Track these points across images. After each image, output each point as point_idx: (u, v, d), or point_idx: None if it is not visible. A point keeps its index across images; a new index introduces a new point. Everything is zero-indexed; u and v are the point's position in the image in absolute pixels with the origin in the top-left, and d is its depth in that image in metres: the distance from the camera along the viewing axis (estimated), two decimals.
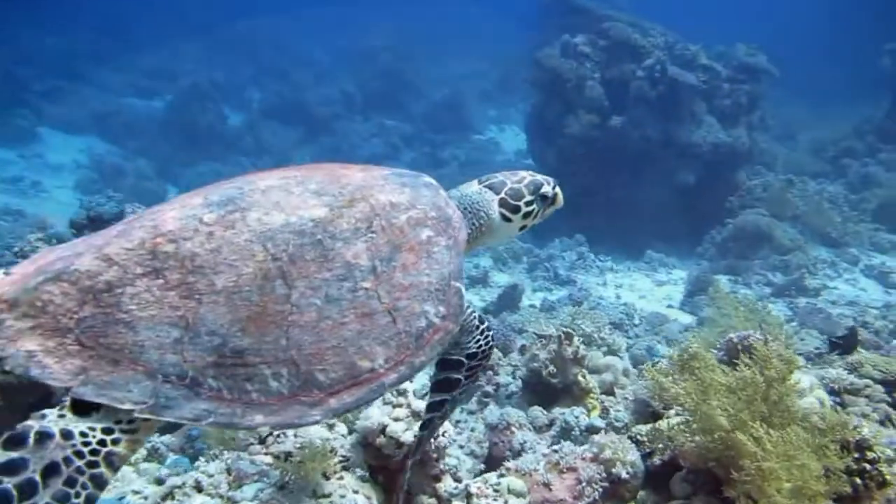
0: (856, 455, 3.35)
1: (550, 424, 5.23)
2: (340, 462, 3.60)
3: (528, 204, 3.10)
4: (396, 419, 3.58)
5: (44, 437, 1.99)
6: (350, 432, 3.88)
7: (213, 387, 2.14)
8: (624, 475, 3.55)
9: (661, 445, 3.85)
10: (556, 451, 3.86)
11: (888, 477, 3.37)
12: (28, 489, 1.89)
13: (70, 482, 1.96)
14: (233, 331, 2.17)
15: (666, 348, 10.59)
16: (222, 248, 2.25)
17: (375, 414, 3.61)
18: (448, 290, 2.56)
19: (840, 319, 10.95)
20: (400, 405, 3.64)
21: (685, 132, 17.66)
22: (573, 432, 4.68)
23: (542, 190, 3.15)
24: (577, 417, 4.83)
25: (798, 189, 18.11)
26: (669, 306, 13.42)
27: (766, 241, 15.44)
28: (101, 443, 2.06)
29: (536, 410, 5.32)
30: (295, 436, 3.74)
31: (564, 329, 5.45)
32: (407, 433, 3.53)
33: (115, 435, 2.09)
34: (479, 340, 2.85)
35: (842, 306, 12.75)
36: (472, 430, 5.53)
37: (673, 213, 18.11)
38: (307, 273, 2.30)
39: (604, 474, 3.59)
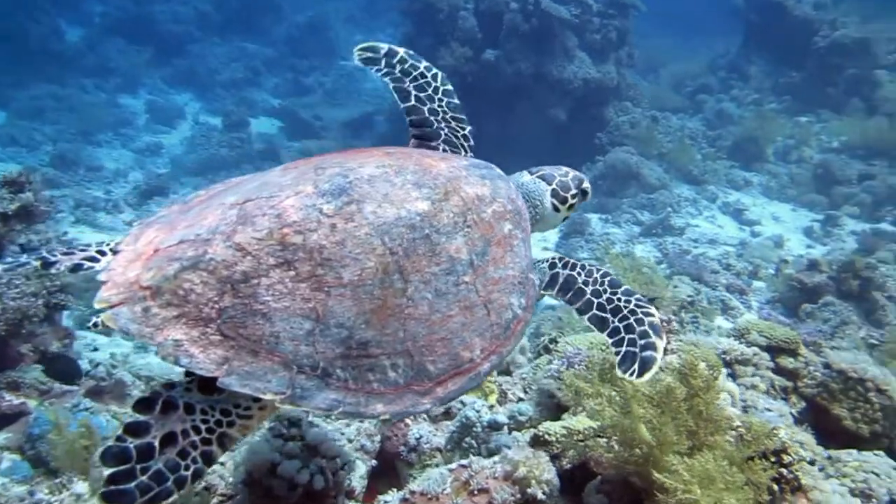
0: (773, 460, 3.26)
1: (446, 413, 4.95)
2: (220, 502, 3.12)
3: (573, 196, 3.20)
4: (290, 456, 3.11)
5: (169, 406, 2.10)
6: (236, 466, 3.39)
7: (341, 377, 2.21)
8: (540, 496, 3.31)
9: (573, 452, 3.64)
10: (464, 468, 3.56)
11: (804, 482, 3.32)
12: (146, 452, 1.99)
13: (183, 454, 2.05)
14: (358, 323, 2.23)
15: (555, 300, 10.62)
16: (346, 241, 2.28)
17: (264, 448, 3.12)
18: (527, 282, 2.68)
19: (706, 262, 11.37)
20: (293, 437, 3.18)
21: (557, 67, 17.54)
22: (475, 429, 4.40)
23: (584, 185, 3.27)
24: (478, 412, 4.56)
25: (662, 126, 18.61)
26: (545, 248, 13.46)
27: (634, 180, 15.79)
28: (218, 423, 2.15)
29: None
30: None
31: None
32: (303, 472, 3.09)
33: (232, 418, 2.18)
34: (549, 261, 2.95)
35: (704, 245, 13.29)
36: (362, 421, 5.16)
37: (545, 149, 18.09)
38: (420, 267, 2.35)
39: (518, 495, 3.34)
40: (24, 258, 2.56)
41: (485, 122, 17.79)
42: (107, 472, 1.95)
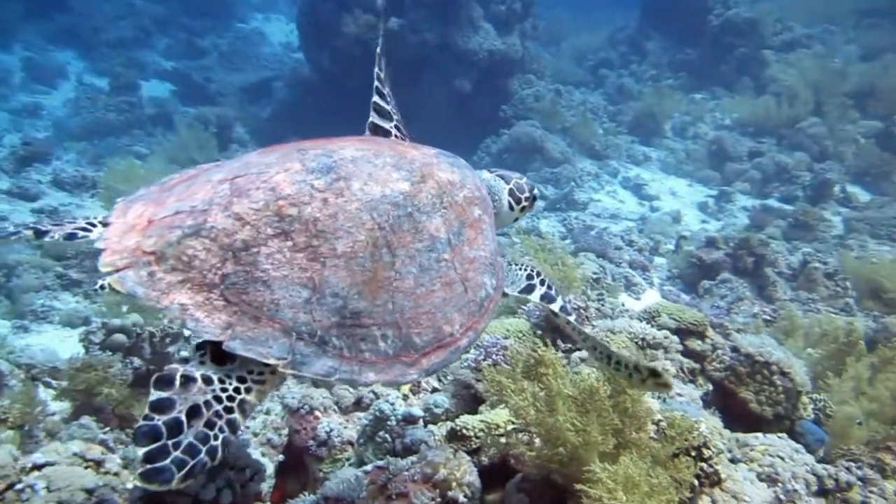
0: (694, 455, 3.25)
1: (357, 403, 4.76)
2: None
3: (526, 199, 3.29)
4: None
5: (188, 380, 2.12)
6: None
7: (337, 345, 2.28)
8: (461, 499, 3.18)
9: (493, 449, 3.53)
10: (381, 470, 3.38)
11: (723, 476, 3.33)
12: (175, 427, 2.00)
13: (209, 424, 2.07)
14: (351, 293, 2.31)
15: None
16: (338, 214, 2.36)
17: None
18: (496, 264, 2.80)
19: (610, 238, 11.55)
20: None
21: (462, 38, 17.33)
22: (389, 422, 4.23)
23: (534, 191, 3.36)
24: (392, 404, 4.39)
25: (565, 100, 18.78)
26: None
27: (539, 153, 15.88)
28: (237, 390, 2.19)
29: (342, 389, 4.80)
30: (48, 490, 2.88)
31: None
32: (209, 488, 2.83)
33: (248, 384, 2.22)
34: (523, 269, 3.07)
35: (606, 220, 13.53)
36: (267, 412, 4.91)
37: (450, 121, 17.99)
38: (405, 243, 2.45)
39: (439, 499, 3.20)
40: (13, 228, 2.56)
41: (392, 91, 17.46)
42: (141, 451, 1.96)
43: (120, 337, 5.84)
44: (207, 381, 2.17)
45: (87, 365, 5.18)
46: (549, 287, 3.05)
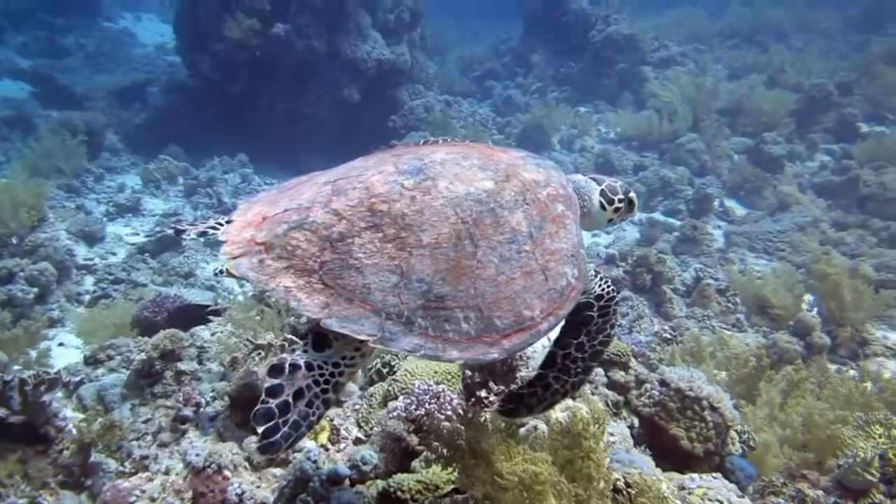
0: None
1: (272, 458, 4.31)
2: None
3: (619, 201, 3.37)
4: None
5: (294, 367, 2.47)
6: None
7: (422, 325, 2.47)
8: None
9: None
10: None
11: None
12: (284, 408, 2.38)
13: (310, 404, 2.43)
14: (436, 279, 2.51)
15: None
16: (424, 210, 2.59)
17: None
18: (578, 255, 2.91)
19: None
20: None
21: (351, 46, 16.93)
22: (311, 483, 3.82)
23: (630, 194, 3.44)
24: (315, 462, 3.98)
25: (454, 111, 18.73)
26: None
27: None
28: (332, 374, 2.51)
29: (253, 442, 4.34)
30: None
31: (289, 338, 4.48)
32: None
33: (341, 368, 2.54)
34: (600, 284, 3.07)
35: None
36: (167, 472, 4.38)
37: (338, 130, 17.55)
38: (487, 235, 2.65)
39: None
40: (158, 228, 2.96)
41: (274, 99, 16.80)
42: (260, 429, 2.32)
43: None
44: (309, 367, 2.48)
45: None
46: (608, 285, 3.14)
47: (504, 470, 2.74)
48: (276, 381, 2.43)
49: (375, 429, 4.21)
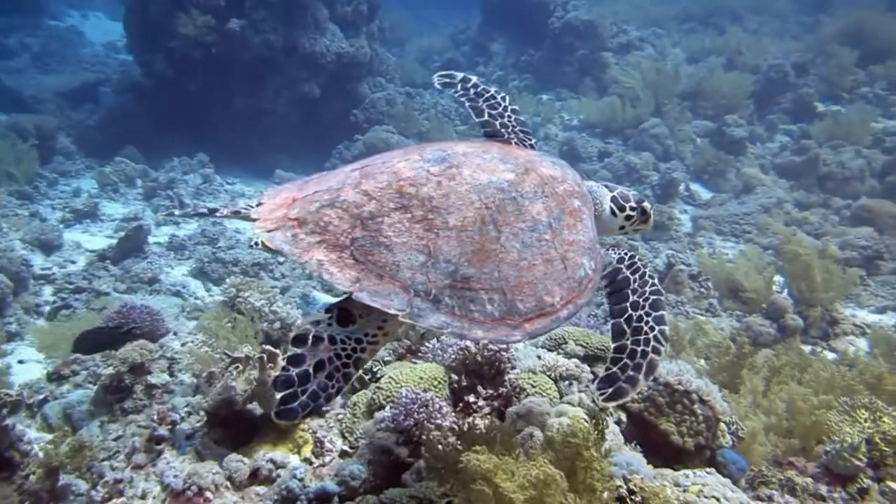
0: None
1: (254, 475, 4.14)
2: None
3: (631, 209, 3.42)
4: None
5: (317, 339, 2.58)
6: None
7: (449, 304, 2.57)
8: None
9: None
10: None
11: None
12: (304, 377, 2.49)
13: (329, 376, 2.53)
14: (462, 261, 2.62)
15: (322, 294, 9.94)
16: (450, 194, 2.71)
17: None
18: (595, 249, 3.00)
19: None
20: None
21: (309, 39, 16.61)
22: (298, 503, 3.67)
23: (644, 204, 3.48)
24: (301, 480, 3.82)
25: (416, 103, 18.53)
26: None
27: None
28: (354, 350, 2.61)
29: (234, 460, 4.17)
30: None
31: (268, 349, 4.30)
32: None
33: (363, 344, 2.63)
34: (616, 252, 3.17)
35: None
36: (143, 496, 4.19)
37: (298, 126, 17.24)
38: (509, 222, 2.74)
39: None
40: (191, 209, 3.00)
41: (232, 96, 16.42)
42: (279, 395, 2.41)
43: None
44: (332, 340, 2.57)
45: None
46: (636, 270, 3.13)
47: (508, 489, 2.62)
48: (299, 351, 2.54)
49: (362, 441, 4.07)
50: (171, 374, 6.20)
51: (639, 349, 2.86)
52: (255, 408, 4.51)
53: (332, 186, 2.78)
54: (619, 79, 18.52)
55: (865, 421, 4.89)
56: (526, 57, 22.16)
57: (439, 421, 3.82)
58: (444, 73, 4.06)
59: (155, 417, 4.63)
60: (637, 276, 3.09)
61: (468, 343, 4.39)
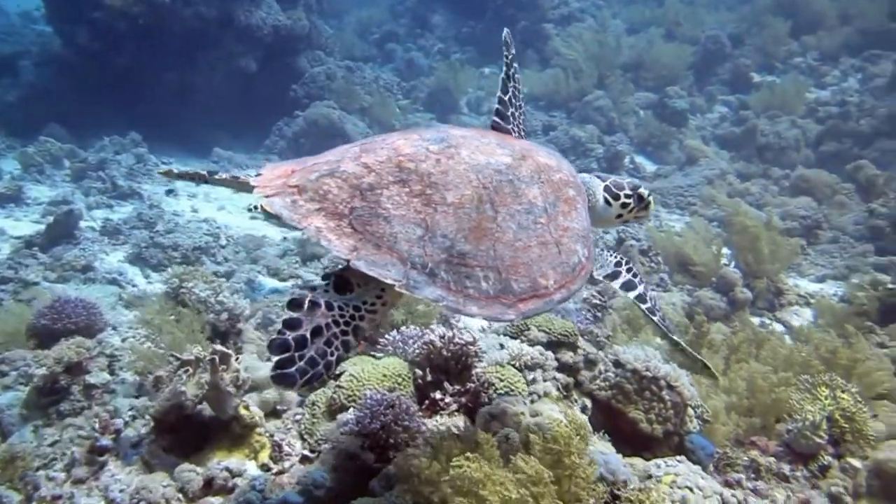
0: None
1: (209, 484, 3.89)
2: None
3: (626, 196, 3.44)
4: None
5: (314, 305, 2.52)
6: None
7: (445, 279, 2.59)
8: None
9: None
10: None
11: None
12: (301, 342, 2.42)
13: (328, 342, 2.47)
14: (458, 237, 2.64)
15: (268, 279, 9.60)
16: (449, 172, 2.73)
17: None
18: (588, 238, 3.04)
19: None
20: None
21: (244, 12, 15.99)
22: None
23: (640, 190, 3.48)
24: (261, 492, 3.59)
25: (357, 77, 18.08)
26: (253, 217, 12.20)
27: (340, 137, 15.07)
28: (352, 317, 2.56)
29: (186, 469, 3.91)
30: None
31: (219, 350, 4.02)
32: None
33: (362, 312, 2.59)
34: (614, 256, 3.33)
35: None
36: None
37: (236, 103, 16.62)
38: (505, 203, 2.77)
39: None
40: (190, 169, 3.06)
41: (164, 71, 15.69)
42: (274, 358, 2.35)
43: None
44: (329, 307, 2.52)
45: None
46: (635, 276, 3.29)
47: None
48: (294, 315, 2.46)
49: (325, 446, 3.86)
50: (112, 373, 5.85)
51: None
52: (206, 408, 4.24)
53: (331, 159, 2.79)
54: (562, 51, 18.44)
55: (826, 398, 4.92)
56: (467, 29, 21.86)
57: (407, 423, 3.64)
58: (507, 32, 3.88)
59: (97, 426, 4.32)
60: (639, 279, 3.30)
61: (433, 338, 4.21)
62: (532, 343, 5.10)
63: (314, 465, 3.87)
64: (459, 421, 3.98)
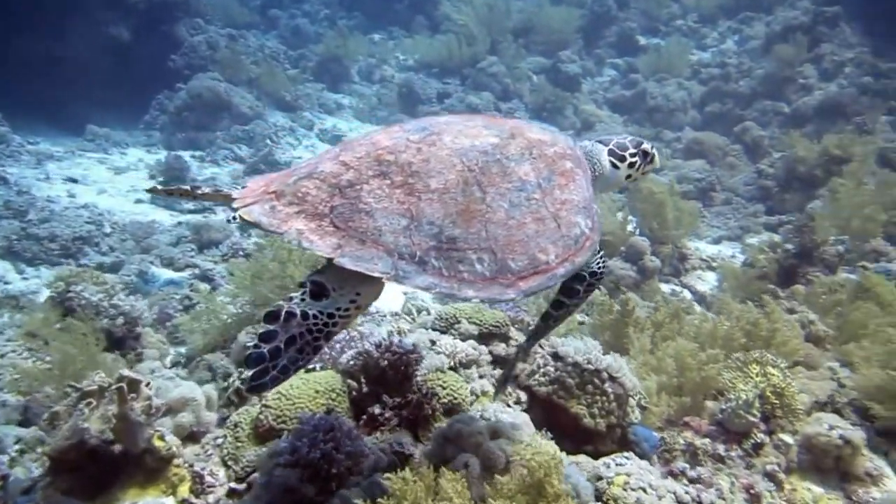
0: None
1: None
2: None
3: (632, 155, 3.37)
4: None
5: (290, 315, 2.51)
6: None
7: (436, 266, 2.56)
8: None
9: None
10: None
11: None
12: (275, 353, 2.46)
13: (300, 350, 2.51)
14: (446, 222, 2.59)
15: (162, 270, 8.92)
16: (431, 159, 2.69)
17: None
18: (590, 208, 2.98)
19: None
20: None
21: None
22: None
23: (643, 146, 3.42)
24: None
25: (241, 46, 17.11)
26: (139, 201, 11.36)
27: (226, 110, 14.25)
28: (325, 324, 2.56)
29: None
30: None
31: (128, 376, 3.54)
32: None
33: (335, 319, 2.58)
34: (598, 262, 3.14)
35: None
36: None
37: (109, 75, 15.34)
38: (494, 183, 2.72)
39: None
40: (174, 186, 3.00)
41: (25, 41, 14.25)
42: (250, 371, 2.42)
43: None
44: (304, 316, 2.51)
45: None
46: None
47: None
48: (272, 328, 2.48)
49: (256, 477, 3.50)
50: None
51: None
52: (110, 436, 3.77)
53: (311, 162, 2.79)
54: (452, 16, 18.09)
55: (757, 375, 4.96)
56: None
57: (350, 448, 3.34)
58: None
59: None
60: (584, 297, 3.24)
61: (367, 346, 3.91)
62: (464, 337, 4.89)
63: (246, 498, 3.51)
64: (403, 437, 3.72)
